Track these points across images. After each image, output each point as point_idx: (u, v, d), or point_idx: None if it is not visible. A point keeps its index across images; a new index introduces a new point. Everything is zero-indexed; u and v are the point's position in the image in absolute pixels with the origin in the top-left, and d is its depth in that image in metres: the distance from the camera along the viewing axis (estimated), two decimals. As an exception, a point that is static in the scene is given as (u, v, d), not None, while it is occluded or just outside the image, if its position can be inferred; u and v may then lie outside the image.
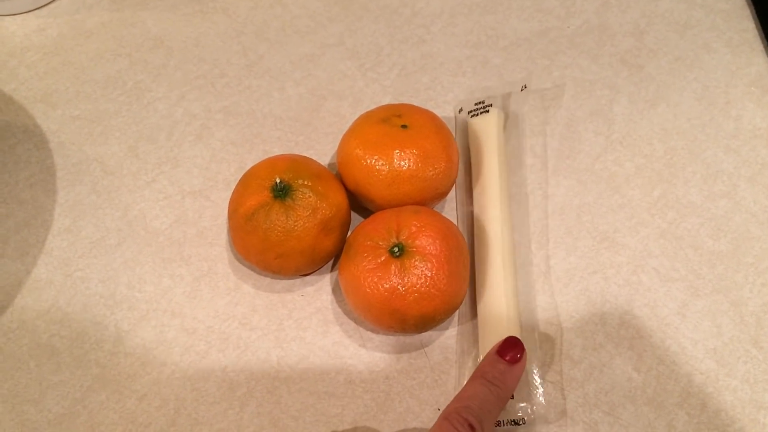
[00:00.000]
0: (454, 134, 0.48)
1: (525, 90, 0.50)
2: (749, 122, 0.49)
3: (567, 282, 0.45)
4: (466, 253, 0.42)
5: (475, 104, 0.50)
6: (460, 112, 0.51)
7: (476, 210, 0.46)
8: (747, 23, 0.53)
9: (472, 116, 0.49)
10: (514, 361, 0.38)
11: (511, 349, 0.38)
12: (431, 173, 0.43)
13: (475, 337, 0.42)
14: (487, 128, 0.48)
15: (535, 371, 0.41)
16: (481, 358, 0.40)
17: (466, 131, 0.50)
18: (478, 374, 0.38)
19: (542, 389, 0.41)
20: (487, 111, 0.49)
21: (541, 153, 0.49)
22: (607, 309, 0.44)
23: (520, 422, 0.39)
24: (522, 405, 0.40)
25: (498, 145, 0.47)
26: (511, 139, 0.50)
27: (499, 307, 0.41)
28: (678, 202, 0.47)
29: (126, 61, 0.55)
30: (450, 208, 0.48)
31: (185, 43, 0.56)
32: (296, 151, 0.50)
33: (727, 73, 0.51)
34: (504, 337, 0.39)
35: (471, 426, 0.34)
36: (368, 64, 0.54)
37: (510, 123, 0.50)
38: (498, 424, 0.39)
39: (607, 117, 0.50)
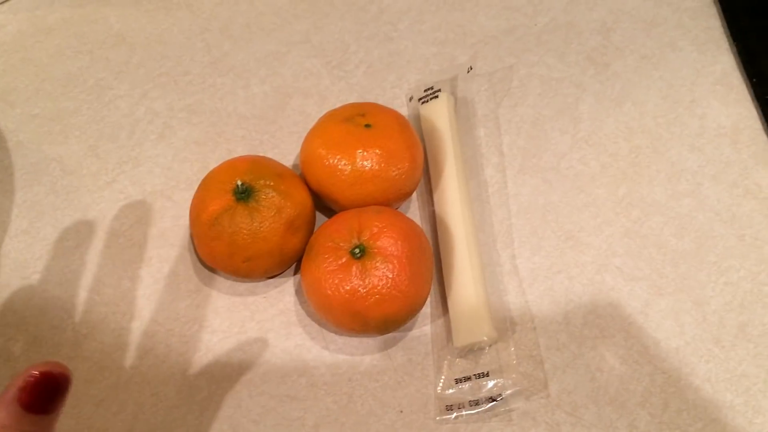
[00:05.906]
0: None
1: (471, 72, 0.50)
2: (714, 120, 0.49)
3: (531, 282, 0.44)
4: (430, 253, 0.42)
5: (425, 90, 0.49)
6: (410, 100, 0.51)
7: (437, 195, 0.46)
8: (713, 21, 0.53)
9: (422, 103, 0.49)
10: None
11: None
12: (395, 173, 0.42)
13: (448, 335, 0.42)
14: (439, 114, 0.48)
15: (512, 349, 0.42)
16: (456, 354, 0.40)
17: (419, 120, 0.49)
18: None
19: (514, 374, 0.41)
20: (437, 96, 0.48)
21: (506, 151, 0.49)
22: (571, 308, 0.43)
23: (497, 398, 0.40)
24: (498, 381, 0.40)
25: (451, 129, 0.47)
26: (462, 121, 0.49)
27: (470, 302, 0.41)
28: (642, 200, 0.47)
29: (87, 59, 0.54)
30: (414, 209, 0.47)
31: (148, 39, 0.55)
32: (261, 151, 0.50)
33: (692, 72, 0.51)
34: (477, 333, 0.40)
35: None
36: (334, 61, 0.53)
37: (459, 106, 0.50)
38: (476, 402, 0.40)
39: (573, 115, 0.50)
